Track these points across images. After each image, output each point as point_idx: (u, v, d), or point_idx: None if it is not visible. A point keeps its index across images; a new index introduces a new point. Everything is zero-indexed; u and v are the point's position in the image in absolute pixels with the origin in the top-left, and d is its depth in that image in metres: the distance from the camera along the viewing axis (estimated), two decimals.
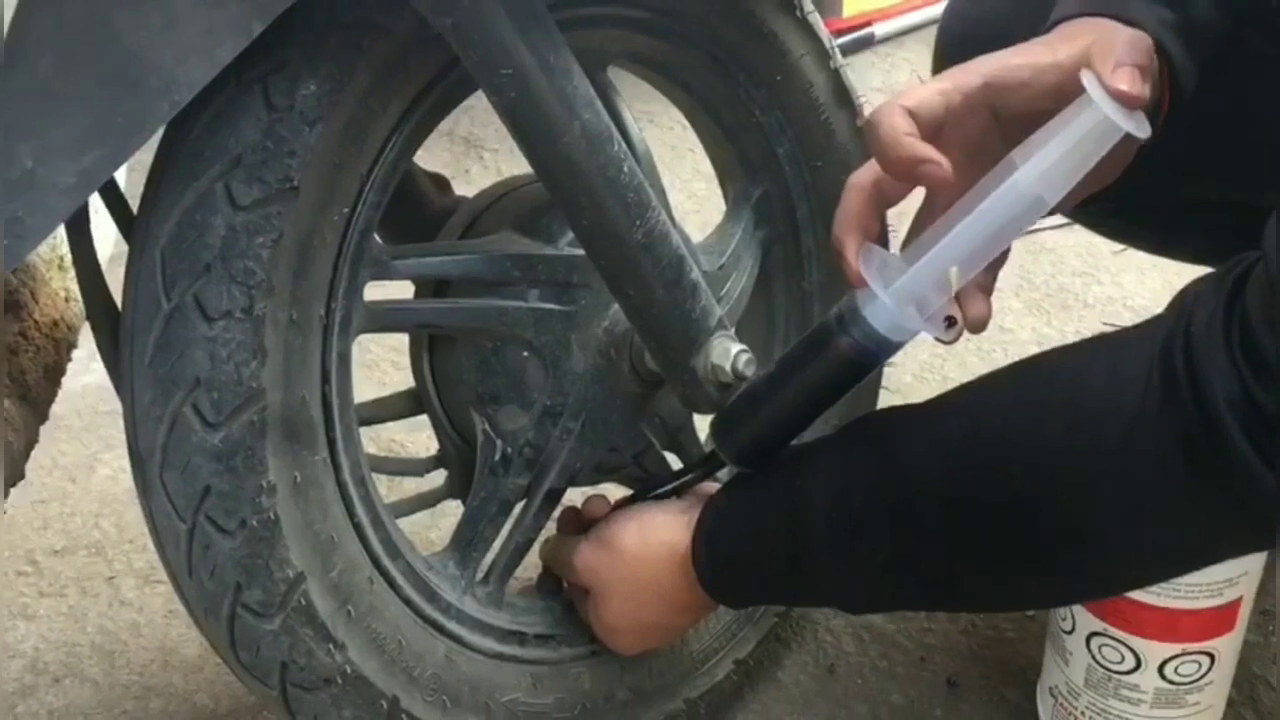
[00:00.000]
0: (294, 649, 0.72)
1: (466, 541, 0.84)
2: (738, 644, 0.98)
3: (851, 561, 0.71)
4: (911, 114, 0.65)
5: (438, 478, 0.95)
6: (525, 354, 0.82)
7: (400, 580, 0.78)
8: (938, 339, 0.70)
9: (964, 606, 0.72)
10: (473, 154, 1.80)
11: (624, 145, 0.73)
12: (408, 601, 0.78)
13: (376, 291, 0.77)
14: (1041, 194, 0.64)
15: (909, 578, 0.69)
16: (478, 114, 1.81)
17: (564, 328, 0.82)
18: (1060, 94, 0.65)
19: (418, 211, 0.89)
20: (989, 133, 0.68)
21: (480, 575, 0.86)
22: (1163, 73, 0.68)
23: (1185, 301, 0.60)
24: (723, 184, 1.00)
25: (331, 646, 0.73)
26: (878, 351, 0.70)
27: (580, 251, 0.79)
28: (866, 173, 0.72)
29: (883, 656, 1.04)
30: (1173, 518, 0.60)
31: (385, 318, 0.77)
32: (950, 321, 0.69)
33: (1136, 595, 0.80)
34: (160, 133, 0.69)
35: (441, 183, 0.94)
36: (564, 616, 0.89)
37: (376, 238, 0.75)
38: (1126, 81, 0.61)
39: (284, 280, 0.68)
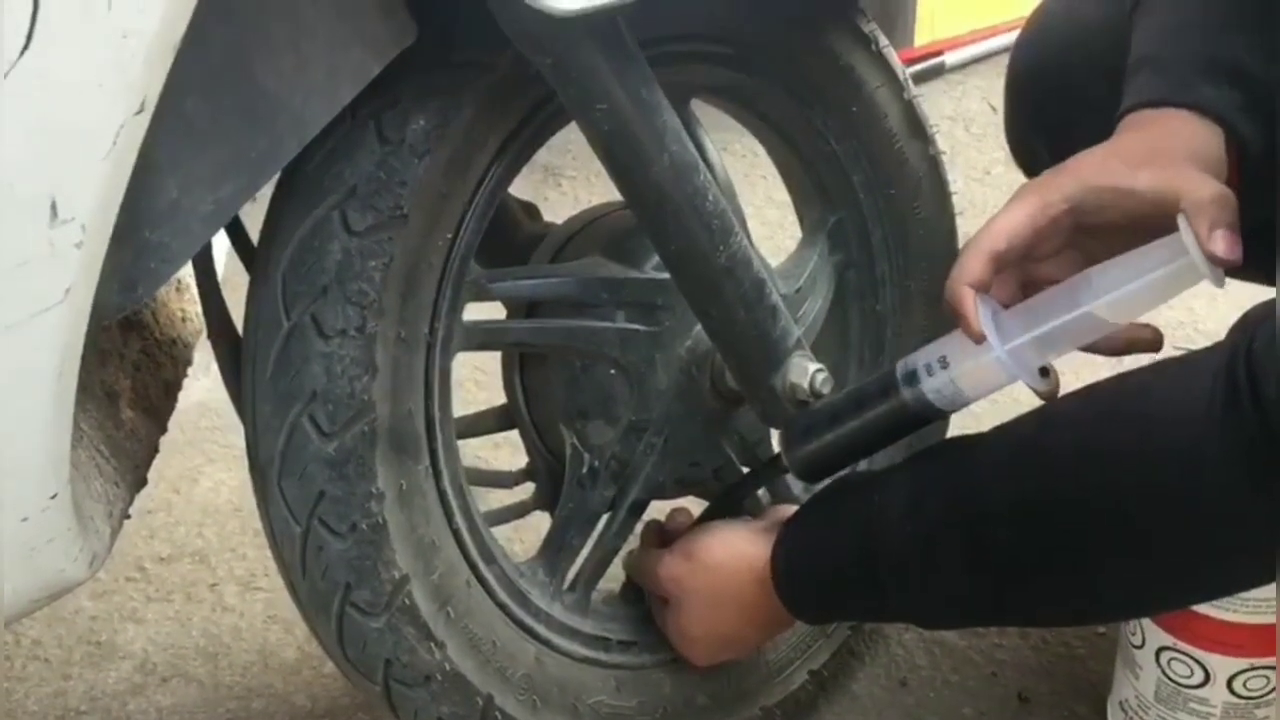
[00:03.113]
0: (398, 646, 0.77)
1: (555, 550, 0.89)
2: (812, 655, 1.01)
3: (925, 573, 0.74)
4: (1000, 255, 0.72)
5: (525, 491, 1.00)
6: (612, 372, 0.86)
7: (495, 585, 0.82)
8: (1035, 389, 0.74)
9: (1034, 617, 0.75)
10: (551, 181, 1.85)
11: (708, 175, 0.78)
12: (501, 605, 0.83)
13: (474, 312, 0.82)
14: (1112, 320, 0.71)
15: (981, 589, 0.72)
16: (555, 143, 1.86)
17: (649, 347, 0.87)
18: (1137, 221, 0.71)
19: (511, 237, 0.94)
20: (1068, 236, 0.75)
21: (568, 583, 0.90)
22: (1231, 147, 0.73)
23: (1249, 321, 0.63)
24: (799, 211, 1.03)
25: (432, 645, 0.78)
26: (935, 413, 0.77)
27: (665, 275, 0.84)
28: (998, 237, 0.74)
29: (954, 671, 1.07)
30: (1237, 525, 0.62)
31: (482, 336, 0.82)
32: (1044, 371, 0.75)
33: (1205, 610, 0.82)
34: None
35: (531, 210, 0.99)
36: (646, 624, 0.93)
37: (475, 262, 0.80)
38: (1224, 248, 0.66)
39: (393, 301, 0.73)
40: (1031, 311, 0.75)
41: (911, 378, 0.77)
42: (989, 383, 0.76)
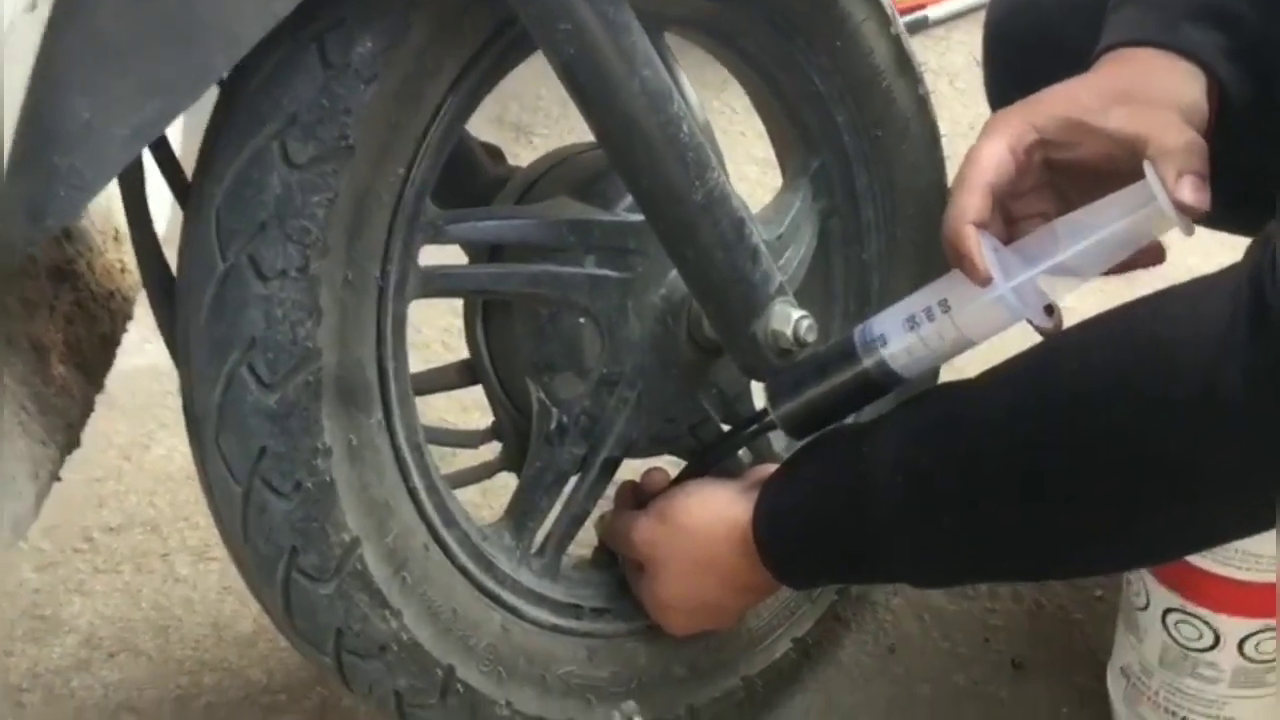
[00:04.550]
0: (349, 614, 0.71)
1: (522, 512, 0.83)
2: (796, 622, 0.96)
3: (919, 524, 0.69)
4: (993, 187, 0.70)
5: (492, 451, 0.94)
6: (581, 321, 0.80)
7: (456, 549, 0.77)
8: (1039, 328, 0.71)
9: (1031, 570, 0.70)
10: (523, 140, 1.79)
11: (683, 104, 0.72)
12: (463, 570, 0.77)
13: (433, 258, 0.76)
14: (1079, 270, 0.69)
15: (977, 539, 0.67)
16: (527, 100, 1.81)
17: (621, 294, 0.81)
18: (1109, 162, 0.70)
19: (472, 179, 0.88)
20: (1041, 174, 0.74)
21: (536, 547, 0.85)
22: (1212, 93, 0.70)
23: (1270, 235, 0.58)
24: (779, 156, 0.98)
25: (387, 613, 0.72)
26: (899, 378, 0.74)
27: (637, 217, 0.78)
28: (987, 167, 0.71)
29: (945, 637, 1.02)
30: (1258, 458, 0.57)
31: (440, 282, 0.76)
32: (1048, 310, 0.71)
33: (1216, 569, 0.77)
34: (215, 95, 0.69)
35: (495, 153, 0.93)
36: (620, 591, 0.88)
37: (431, 202, 0.74)
38: (1191, 196, 0.64)
39: (339, 240, 0.67)
40: (1031, 248, 0.71)
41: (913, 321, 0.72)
42: (993, 324, 0.71)
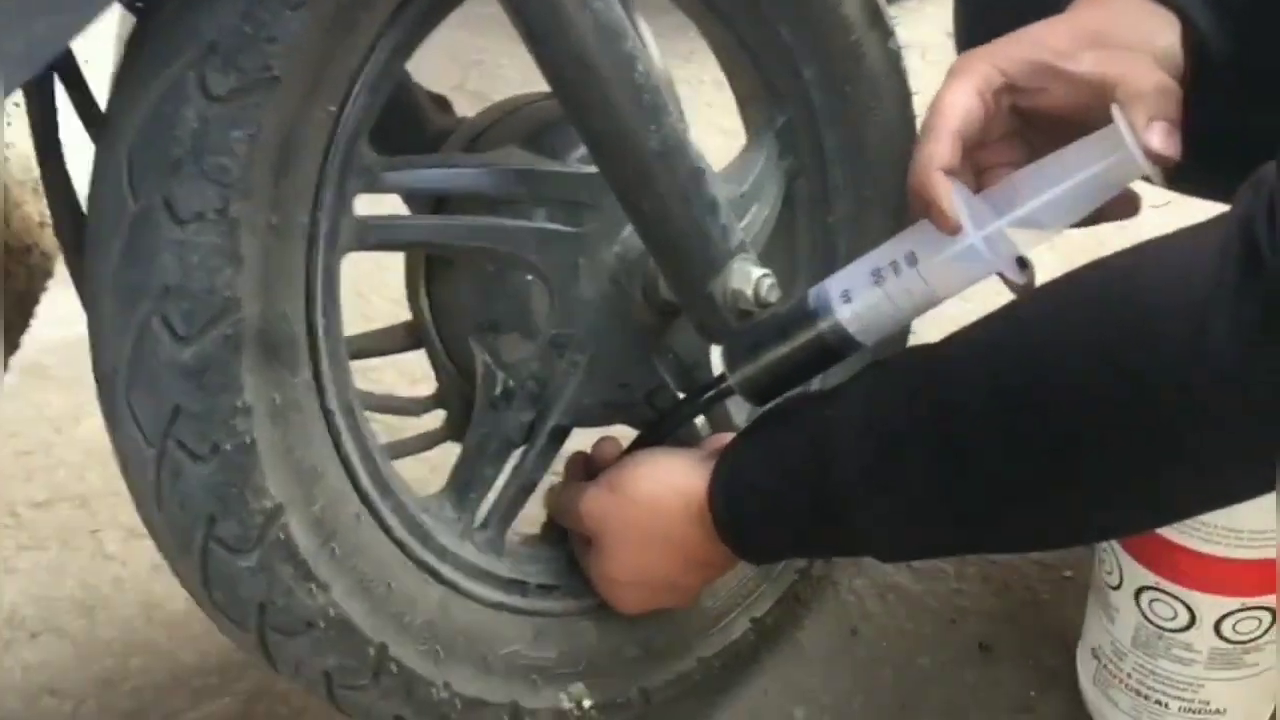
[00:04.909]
0: (272, 588, 0.66)
1: (465, 482, 0.78)
2: (754, 601, 0.91)
3: (886, 491, 0.65)
4: (961, 133, 0.67)
5: (437, 421, 0.89)
6: (529, 279, 0.76)
7: (391, 519, 0.72)
8: (1011, 282, 0.67)
9: (1006, 537, 0.65)
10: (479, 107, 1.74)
11: (639, 43, 0.67)
12: (399, 543, 0.72)
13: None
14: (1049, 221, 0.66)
15: (949, 505, 0.63)
16: (487, 67, 1.76)
17: (572, 251, 0.76)
18: (1077, 109, 0.67)
19: (416, 129, 0.82)
20: (1008, 121, 0.71)
21: (480, 520, 0.80)
22: (1188, 44, 0.67)
23: (1263, 177, 0.54)
24: (743, 112, 0.93)
25: (314, 586, 0.67)
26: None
27: (590, 169, 0.74)
28: (954, 114, 0.68)
29: (910, 619, 0.98)
30: (1251, 414, 0.53)
31: (378, 234, 0.71)
32: (1022, 264, 0.68)
33: (1193, 544, 0.73)
34: (130, 21, 0.63)
35: (443, 103, 0.88)
36: (568, 567, 0.83)
37: (368, 148, 0.69)
38: (1160, 141, 0.62)
39: (263, 180, 0.62)
40: (999, 198, 0.67)
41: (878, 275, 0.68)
42: (962, 277, 0.67)
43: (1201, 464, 0.56)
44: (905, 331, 0.97)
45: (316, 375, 0.67)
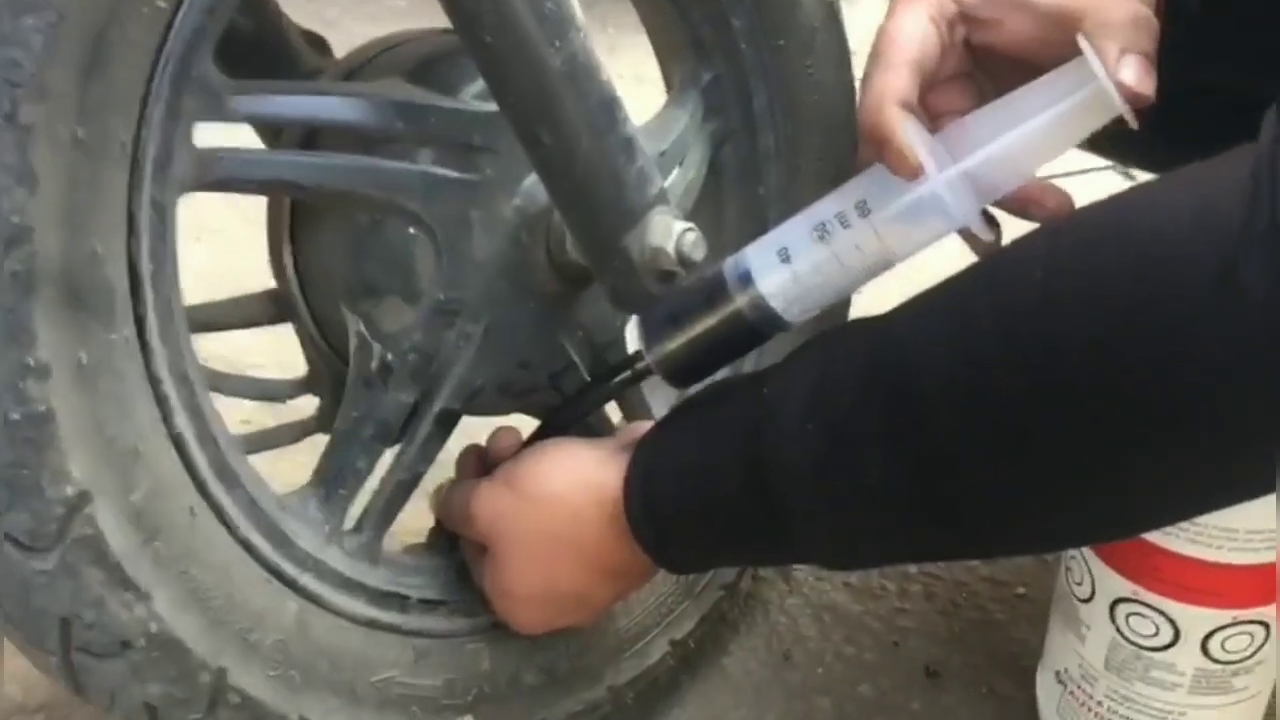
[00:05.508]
0: (78, 597, 0.53)
1: (333, 475, 0.65)
2: (674, 621, 0.80)
3: (834, 488, 0.54)
4: (917, 64, 0.60)
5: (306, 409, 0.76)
6: (411, 232, 0.64)
7: (236, 517, 0.59)
8: (976, 240, 0.59)
9: (980, 540, 0.54)
10: None
11: None
12: (246, 545, 0.59)
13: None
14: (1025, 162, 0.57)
15: (913, 502, 0.52)
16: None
17: (463, 201, 0.64)
18: (1037, 43, 0.61)
19: (287, 66, 0.71)
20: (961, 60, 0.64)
21: (351, 522, 0.67)
22: None
23: None
24: (665, 65, 0.82)
25: (131, 596, 0.54)
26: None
27: (486, 107, 0.63)
28: (909, 42, 0.60)
29: (848, 641, 0.87)
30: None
31: (224, 168, 0.58)
32: (989, 219, 0.59)
33: (1180, 548, 0.64)
34: None
35: (319, 42, 0.76)
36: (458, 579, 0.71)
37: (214, 67, 0.57)
38: (1134, 75, 0.55)
39: (66, 82, 0.49)
40: (959, 141, 0.57)
41: (823, 230, 0.58)
42: (922, 231, 0.58)
43: (1228, 441, 0.46)
44: (844, 310, 0.87)
45: (140, 333, 0.54)
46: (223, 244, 1.24)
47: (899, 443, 0.51)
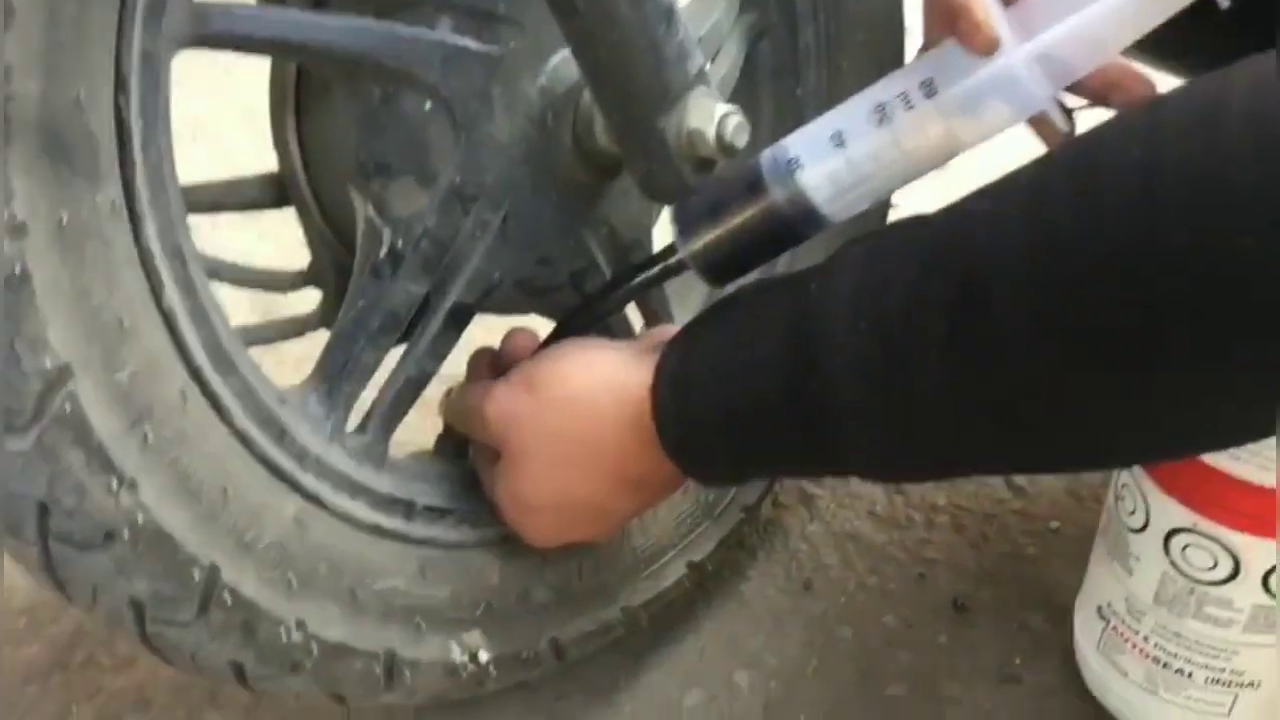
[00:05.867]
0: (56, 482, 0.48)
1: (337, 369, 0.61)
2: (694, 542, 0.76)
3: (886, 386, 0.49)
4: None
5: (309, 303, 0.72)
6: (428, 106, 0.59)
7: (231, 404, 0.54)
8: (1049, 131, 0.56)
9: (1041, 449, 0.48)
10: None
11: None
12: (241, 436, 0.55)
13: None
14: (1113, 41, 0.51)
15: (972, 401, 0.47)
16: None
17: (484, 75, 0.59)
18: None
19: None
20: None
21: (355, 421, 0.63)
22: None
23: None
24: None
25: (115, 482, 0.49)
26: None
27: None
28: None
29: (872, 571, 0.83)
30: None
31: (223, 23, 0.53)
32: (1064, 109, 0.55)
33: (1247, 474, 0.59)
34: None
35: None
36: (467, 487, 0.66)
37: None
38: None
39: None
40: (1035, 14, 0.52)
41: (883, 111, 0.53)
42: (994, 117, 0.52)
43: None
44: (883, 216, 0.82)
45: (129, 197, 0.49)
46: (220, 145, 1.18)
47: (961, 342, 0.46)
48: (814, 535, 0.86)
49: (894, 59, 0.80)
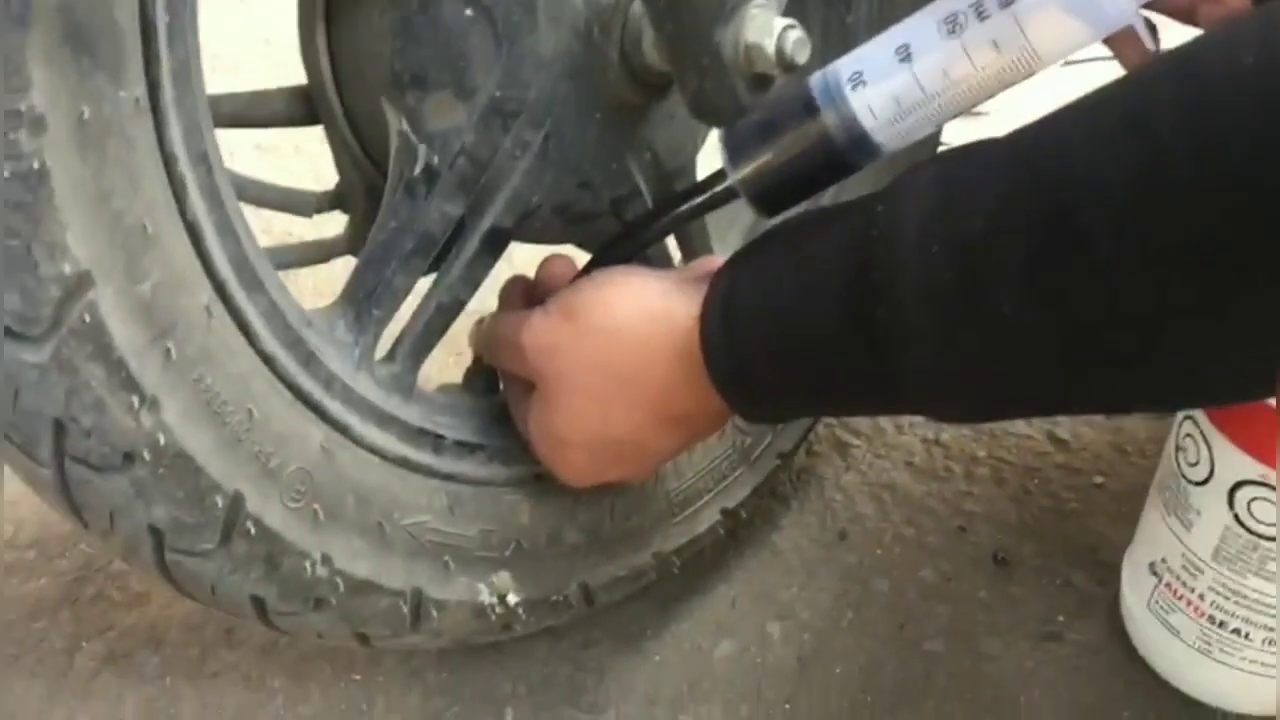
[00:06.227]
0: (74, 399, 0.45)
1: (367, 293, 0.58)
2: (728, 488, 0.73)
3: (960, 315, 0.45)
4: None
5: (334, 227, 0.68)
6: (469, 14, 0.55)
7: (257, 323, 0.51)
8: (1133, 51, 0.52)
9: (1127, 385, 0.45)
10: None
11: None
12: (267, 358, 0.52)
13: None
14: None
15: (1053, 332, 0.44)
16: None
17: None
18: None
19: None
20: None
21: (385, 349, 0.60)
22: None
23: None
24: None
25: (136, 400, 0.46)
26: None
27: None
28: None
29: (909, 523, 0.80)
30: None
31: None
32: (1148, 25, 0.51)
33: None
34: None
35: None
36: (498, 422, 0.64)
37: None
38: None
39: None
40: None
41: (954, 22, 0.50)
42: (1075, 32, 0.49)
43: None
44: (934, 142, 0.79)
45: (154, 96, 0.46)
46: (240, 78, 1.15)
47: (1046, 264, 0.43)
48: (849, 485, 0.83)
49: None
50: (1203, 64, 0.41)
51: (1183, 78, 0.41)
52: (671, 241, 0.70)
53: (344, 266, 0.68)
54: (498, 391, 0.66)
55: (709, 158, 0.61)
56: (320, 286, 0.95)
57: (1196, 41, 0.42)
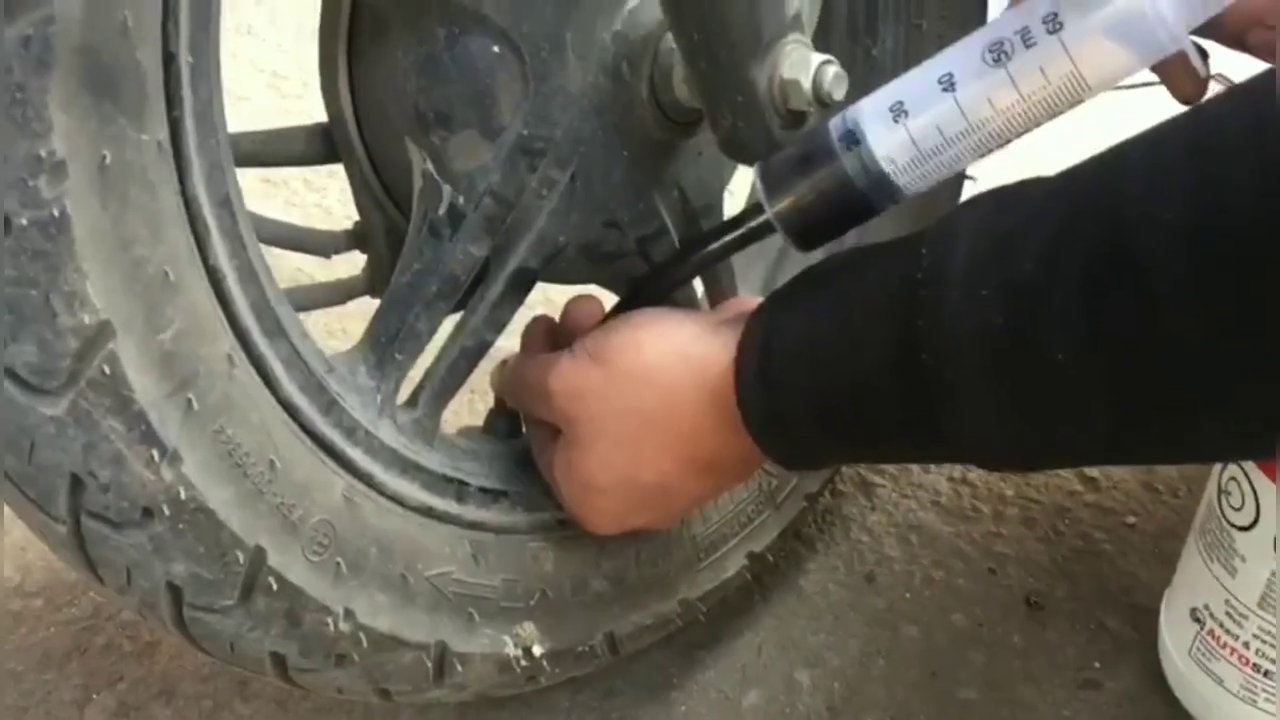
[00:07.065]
0: (92, 453, 0.44)
1: (389, 336, 0.56)
2: (754, 532, 0.71)
3: (1010, 359, 0.44)
4: None
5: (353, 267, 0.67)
6: (496, 50, 0.54)
7: (279, 372, 0.50)
8: (1184, 78, 0.51)
9: (1189, 435, 0.44)
10: None
11: None
12: (289, 407, 0.50)
13: None
14: None
15: (1108, 379, 0.42)
16: None
17: (557, 19, 0.54)
18: None
19: None
20: None
21: (406, 394, 0.58)
22: None
23: None
24: None
25: (156, 454, 0.44)
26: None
27: None
28: None
29: (938, 565, 0.78)
30: None
31: None
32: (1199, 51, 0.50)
33: None
34: None
35: None
36: (522, 468, 0.62)
37: None
38: None
39: None
40: None
41: (1000, 50, 0.48)
42: (1125, 58, 0.47)
43: None
44: (958, 186, 0.78)
45: (176, 139, 0.44)
46: (253, 115, 1.14)
47: (1101, 308, 0.42)
48: (875, 526, 0.81)
49: (976, 20, 0.75)
50: (1273, 103, 0.39)
51: (1252, 119, 0.40)
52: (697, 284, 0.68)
53: (356, 305, 0.67)
54: (520, 435, 0.64)
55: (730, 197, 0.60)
56: (331, 325, 0.94)
57: (1263, 77, 0.41)
